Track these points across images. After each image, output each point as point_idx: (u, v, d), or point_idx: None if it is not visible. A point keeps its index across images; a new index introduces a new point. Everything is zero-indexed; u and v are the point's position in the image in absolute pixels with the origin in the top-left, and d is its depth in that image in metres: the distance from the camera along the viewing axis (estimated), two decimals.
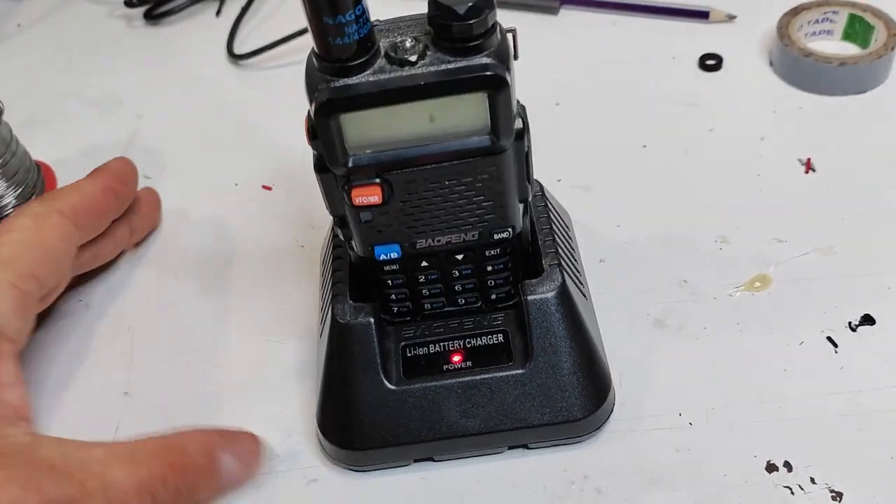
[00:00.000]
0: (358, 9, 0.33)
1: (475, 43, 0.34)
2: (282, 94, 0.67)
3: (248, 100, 0.67)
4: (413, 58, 0.34)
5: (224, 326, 0.51)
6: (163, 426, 0.47)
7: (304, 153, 0.61)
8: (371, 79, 0.34)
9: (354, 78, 0.34)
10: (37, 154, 0.62)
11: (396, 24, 0.36)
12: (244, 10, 0.74)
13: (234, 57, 0.70)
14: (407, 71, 0.34)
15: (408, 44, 0.34)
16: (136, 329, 0.52)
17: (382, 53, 0.34)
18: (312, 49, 0.35)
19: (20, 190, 0.60)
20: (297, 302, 0.52)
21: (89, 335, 0.52)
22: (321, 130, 0.35)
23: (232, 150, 0.63)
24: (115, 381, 0.49)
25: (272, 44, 0.69)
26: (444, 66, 0.34)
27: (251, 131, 0.64)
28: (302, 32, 0.69)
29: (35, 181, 0.61)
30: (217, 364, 0.50)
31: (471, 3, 0.33)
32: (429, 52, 0.34)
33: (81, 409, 0.48)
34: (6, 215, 0.59)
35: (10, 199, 0.59)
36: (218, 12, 0.76)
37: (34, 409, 0.48)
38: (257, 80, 0.69)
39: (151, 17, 0.76)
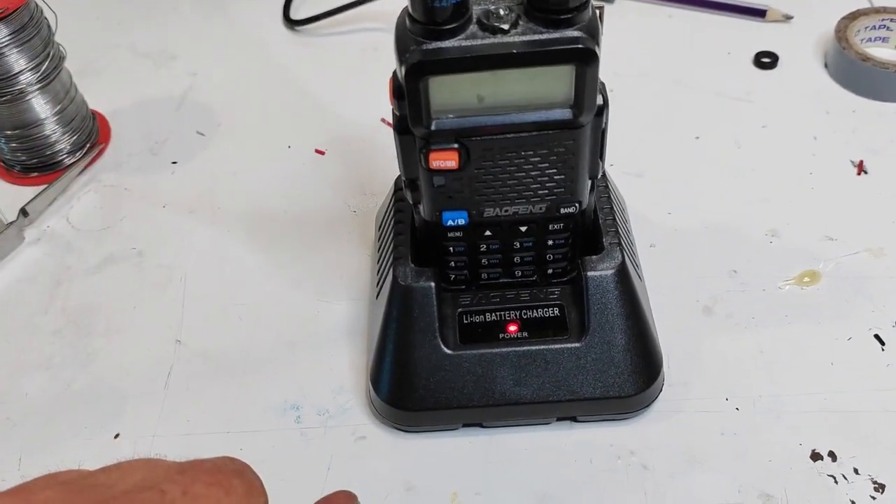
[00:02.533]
0: None
1: (567, 16, 0.34)
2: (336, 62, 0.68)
3: (303, 65, 0.68)
4: (506, 26, 0.35)
5: (275, 283, 0.52)
6: (214, 375, 0.48)
7: (357, 121, 0.62)
8: (463, 44, 0.35)
9: (447, 42, 0.35)
10: (90, 103, 0.63)
11: None
12: None
13: (290, 22, 0.71)
14: (499, 38, 0.34)
15: (501, 12, 0.35)
16: (189, 279, 0.53)
17: (475, 20, 0.35)
18: (405, 9, 0.35)
19: (75, 137, 0.61)
20: (348, 265, 0.53)
21: (142, 282, 0.53)
22: (409, 91, 0.36)
23: (285, 113, 0.64)
24: (168, 327, 0.50)
25: (328, 12, 0.70)
26: (536, 37, 0.34)
27: (305, 96, 0.65)
28: (359, 3, 0.69)
29: (90, 129, 0.62)
30: (267, 318, 0.50)
31: None
32: (521, 22, 0.35)
33: (135, 353, 0.49)
34: (59, 161, 0.60)
35: (64, 146, 0.60)
36: None
37: (89, 349, 0.49)
38: (312, 46, 0.70)
39: None
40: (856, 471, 0.41)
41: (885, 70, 0.58)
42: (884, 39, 0.63)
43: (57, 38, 0.58)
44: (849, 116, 0.59)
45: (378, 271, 0.48)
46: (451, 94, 0.36)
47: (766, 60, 0.63)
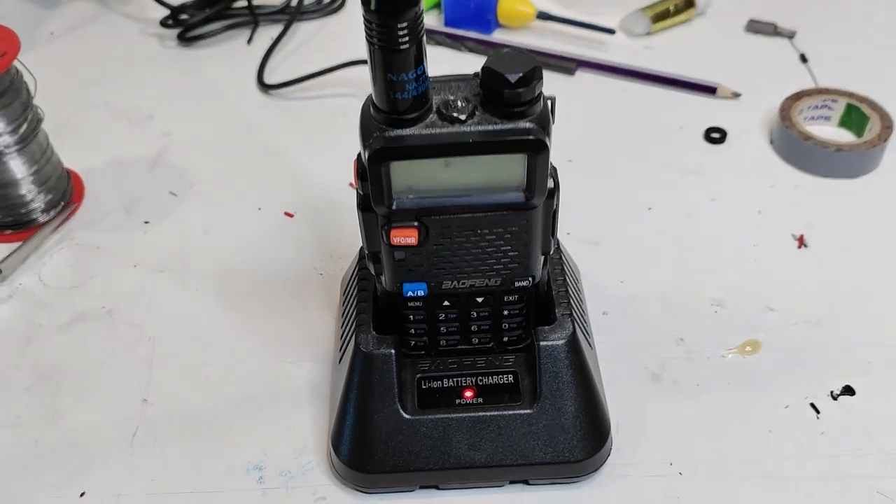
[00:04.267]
0: (420, 68, 0.36)
1: (521, 108, 0.37)
2: (308, 126, 0.71)
3: (275, 128, 0.70)
4: (463, 116, 0.37)
5: (242, 343, 0.54)
6: (179, 434, 0.50)
7: (327, 185, 0.65)
8: (423, 132, 0.37)
9: (407, 130, 0.37)
10: (66, 162, 0.65)
11: (448, 83, 0.39)
12: (276, 42, 0.77)
13: (264, 86, 0.74)
14: (456, 128, 0.37)
15: (459, 103, 0.37)
16: (157, 339, 0.54)
17: (434, 109, 0.38)
18: (370, 97, 0.38)
19: (50, 196, 0.62)
20: (313, 327, 0.55)
21: (112, 341, 0.54)
22: (371, 174, 0.38)
23: (257, 175, 0.66)
24: (136, 386, 0.51)
25: (301, 77, 0.73)
26: (490, 127, 0.37)
27: (276, 159, 0.67)
28: (331, 70, 0.72)
29: (65, 188, 0.64)
30: (234, 378, 0.52)
31: (521, 74, 0.36)
32: (477, 112, 0.37)
33: (102, 412, 0.50)
34: (33, 219, 0.62)
35: (39, 204, 0.62)
36: (249, 40, 0.79)
37: (57, 406, 0.50)
38: (285, 109, 0.72)
39: (185, 38, 0.79)
40: None
41: (826, 149, 0.62)
42: (826, 118, 0.67)
43: (35, 101, 0.60)
44: (791, 191, 0.62)
45: (341, 336, 0.49)
46: (410, 177, 0.39)
47: (715, 136, 0.67)
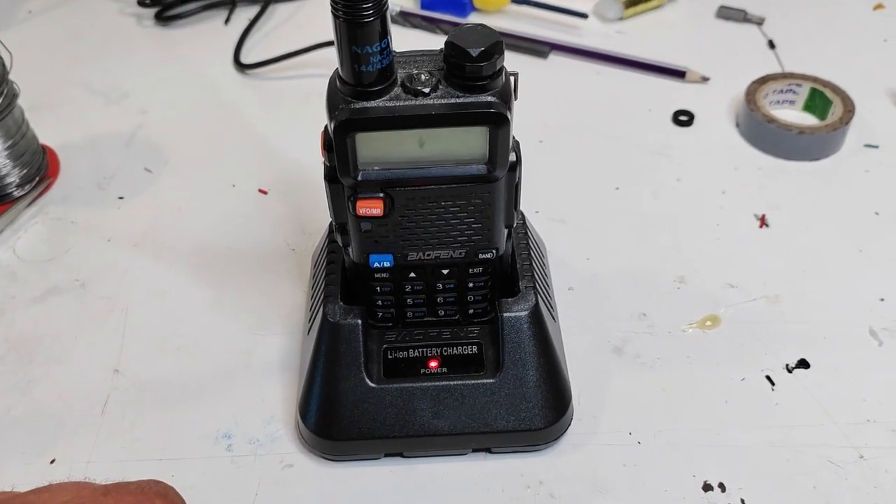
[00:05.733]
0: (384, 42, 0.37)
1: (483, 83, 0.38)
2: (283, 105, 0.72)
3: (250, 107, 0.71)
4: (426, 90, 0.38)
5: (213, 316, 0.55)
6: (150, 404, 0.50)
7: (300, 163, 0.66)
8: (388, 104, 0.38)
9: (372, 102, 0.38)
10: (42, 138, 0.65)
11: (413, 58, 0.40)
12: (252, 22, 0.78)
13: (240, 65, 0.74)
14: (420, 101, 0.38)
15: (423, 77, 0.38)
16: (130, 311, 0.55)
17: (399, 83, 0.39)
18: (336, 71, 0.39)
19: (25, 171, 0.63)
20: (285, 300, 0.55)
21: (84, 313, 0.55)
22: (337, 145, 0.39)
23: (232, 152, 0.67)
24: (107, 357, 0.52)
25: (277, 57, 0.73)
26: (453, 100, 0.38)
27: (251, 137, 0.68)
28: (307, 50, 0.73)
29: (40, 163, 0.64)
30: (204, 350, 0.53)
31: (483, 48, 0.37)
32: (440, 86, 0.38)
33: (74, 382, 0.51)
34: (8, 194, 0.62)
35: (14, 179, 0.62)
36: (227, 21, 0.80)
37: (29, 376, 0.51)
38: (260, 89, 0.73)
39: (162, 18, 0.79)
40: (742, 501, 0.45)
41: (789, 132, 0.64)
42: (791, 102, 0.69)
43: (11, 75, 0.60)
44: (755, 173, 0.64)
45: (310, 308, 0.50)
46: (375, 148, 0.40)
47: (683, 118, 0.68)
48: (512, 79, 0.40)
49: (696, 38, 0.77)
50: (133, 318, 0.55)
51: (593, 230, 0.60)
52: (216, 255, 0.59)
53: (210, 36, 0.79)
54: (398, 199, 0.41)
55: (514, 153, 0.41)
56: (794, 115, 0.68)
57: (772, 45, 0.75)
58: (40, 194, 0.63)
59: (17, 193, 0.62)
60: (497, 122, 0.38)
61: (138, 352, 0.53)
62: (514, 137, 0.42)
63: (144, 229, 0.61)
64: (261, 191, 0.63)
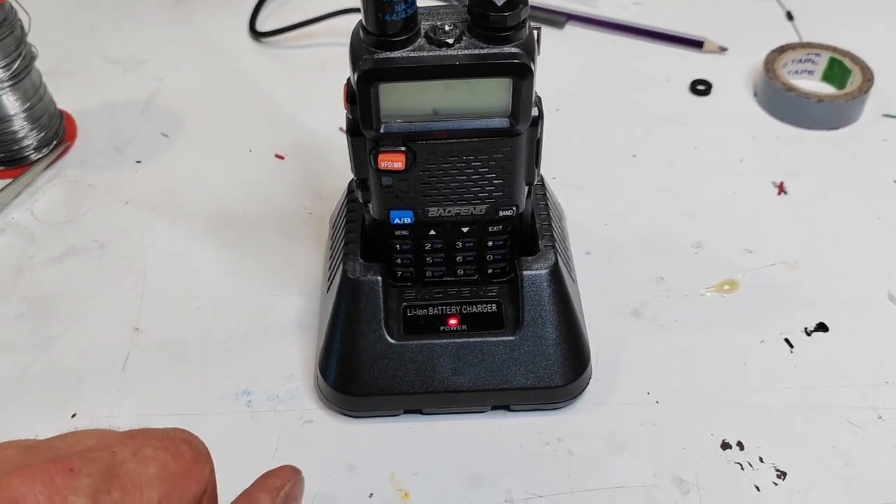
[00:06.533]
0: None
1: (506, 33, 0.38)
2: (298, 73, 0.72)
3: (266, 75, 0.71)
4: (450, 41, 0.38)
5: (232, 278, 0.55)
6: (170, 361, 0.51)
7: (316, 129, 0.66)
8: (411, 55, 0.38)
9: (396, 52, 0.38)
10: (59, 104, 0.65)
11: (437, 11, 0.40)
12: None
13: (256, 34, 0.74)
14: (444, 51, 0.38)
15: (447, 27, 0.38)
16: (149, 272, 0.55)
17: (423, 34, 0.39)
18: (360, 22, 0.39)
19: (43, 134, 0.63)
20: (302, 263, 0.56)
21: (103, 273, 0.55)
22: (360, 97, 0.39)
23: (248, 119, 0.67)
24: (127, 316, 0.52)
25: (292, 25, 0.73)
26: (476, 51, 0.38)
27: (267, 104, 0.68)
28: (322, 18, 0.73)
29: (58, 127, 0.64)
30: (223, 310, 0.53)
31: None
32: (464, 37, 0.38)
33: (93, 339, 0.51)
34: (26, 156, 0.62)
35: (31, 142, 0.63)
36: None
37: (49, 334, 0.51)
38: (276, 57, 0.73)
39: None
40: (761, 459, 0.45)
41: (808, 100, 0.63)
42: (810, 72, 0.68)
43: (29, 39, 0.60)
44: (773, 141, 0.64)
45: (329, 266, 0.51)
46: (398, 100, 0.40)
47: (700, 88, 0.68)
48: (535, 32, 0.40)
49: (714, 9, 0.77)
50: (152, 279, 0.55)
51: (610, 196, 0.60)
52: (234, 219, 0.59)
53: (226, 4, 0.78)
54: (420, 153, 0.41)
55: (536, 108, 0.41)
56: (813, 85, 0.67)
57: (790, 16, 0.75)
58: (58, 157, 0.63)
59: (35, 156, 0.62)
60: (521, 73, 0.38)
61: (157, 311, 0.53)
62: (536, 93, 0.41)
63: (162, 192, 0.61)
64: (277, 156, 0.63)
